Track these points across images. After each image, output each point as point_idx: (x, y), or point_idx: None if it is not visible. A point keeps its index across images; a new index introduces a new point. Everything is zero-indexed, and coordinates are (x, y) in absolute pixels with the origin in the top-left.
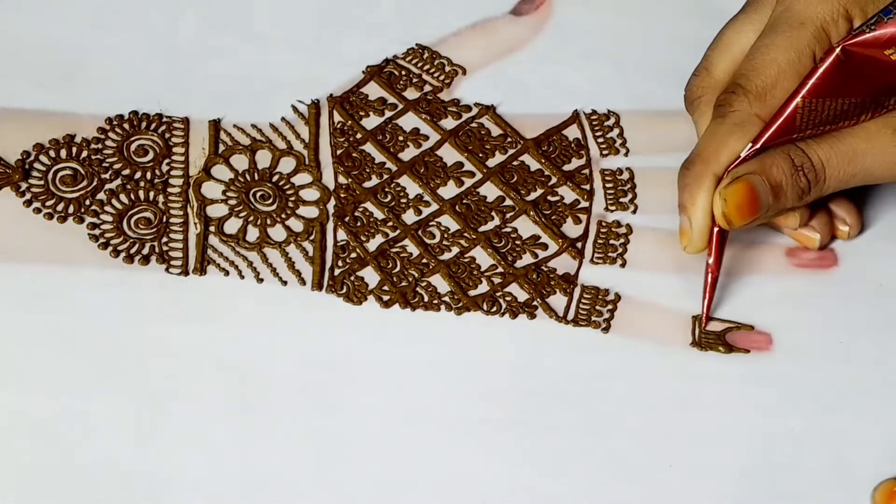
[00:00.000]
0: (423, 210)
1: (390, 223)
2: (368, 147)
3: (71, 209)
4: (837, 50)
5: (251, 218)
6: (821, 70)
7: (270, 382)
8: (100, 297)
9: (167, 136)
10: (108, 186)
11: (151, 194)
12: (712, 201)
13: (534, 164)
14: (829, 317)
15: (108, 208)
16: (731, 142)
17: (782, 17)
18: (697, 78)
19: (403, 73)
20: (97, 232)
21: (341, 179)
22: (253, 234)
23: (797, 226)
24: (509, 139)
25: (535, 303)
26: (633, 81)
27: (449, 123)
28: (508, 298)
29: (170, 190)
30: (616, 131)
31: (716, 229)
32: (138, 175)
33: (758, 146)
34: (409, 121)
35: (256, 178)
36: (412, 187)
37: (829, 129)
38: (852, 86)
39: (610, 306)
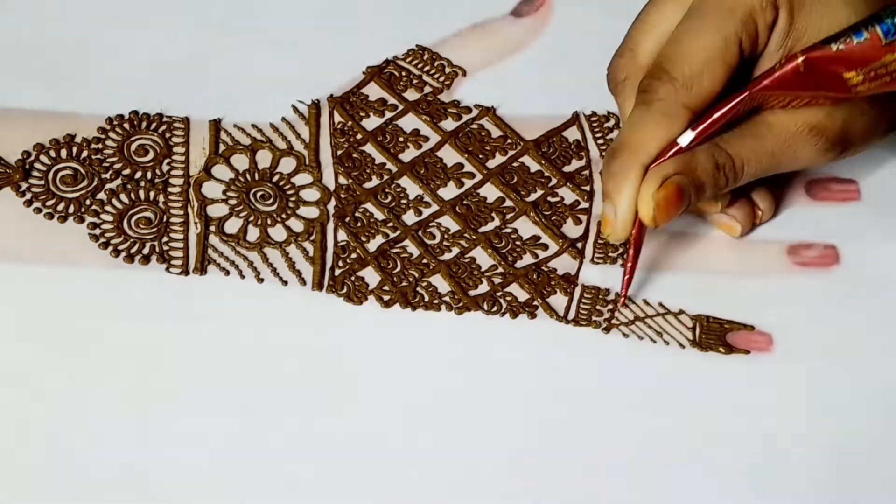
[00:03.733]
0: (423, 211)
1: (390, 224)
2: (369, 148)
3: (71, 209)
4: (800, 59)
5: (252, 218)
6: (777, 74)
7: (270, 382)
8: (100, 297)
9: (167, 135)
10: (108, 186)
11: (152, 194)
12: (638, 194)
13: (534, 166)
14: (830, 316)
15: (108, 208)
16: (659, 132)
17: (709, 1)
18: (621, 59)
19: (404, 73)
20: (97, 232)
21: (342, 180)
22: (253, 233)
23: (719, 210)
24: (509, 140)
25: (535, 302)
26: None
27: (449, 124)
28: (509, 298)
29: (170, 190)
30: (616, 132)
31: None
32: (139, 175)
33: (698, 139)
34: (409, 122)
35: (257, 178)
36: (412, 188)
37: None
38: (799, 88)
39: (610, 306)
